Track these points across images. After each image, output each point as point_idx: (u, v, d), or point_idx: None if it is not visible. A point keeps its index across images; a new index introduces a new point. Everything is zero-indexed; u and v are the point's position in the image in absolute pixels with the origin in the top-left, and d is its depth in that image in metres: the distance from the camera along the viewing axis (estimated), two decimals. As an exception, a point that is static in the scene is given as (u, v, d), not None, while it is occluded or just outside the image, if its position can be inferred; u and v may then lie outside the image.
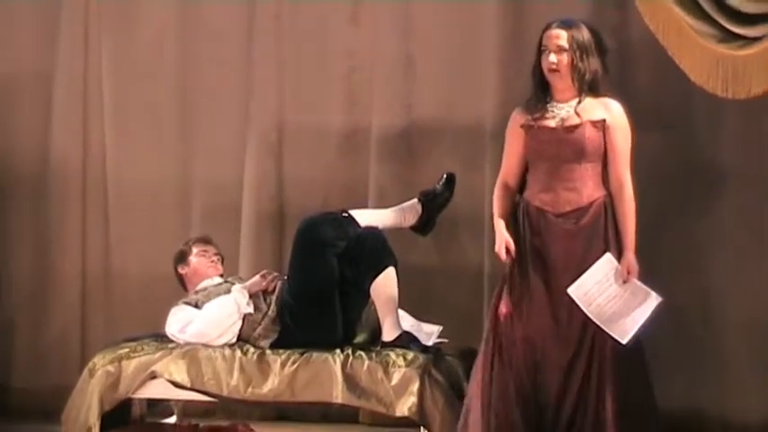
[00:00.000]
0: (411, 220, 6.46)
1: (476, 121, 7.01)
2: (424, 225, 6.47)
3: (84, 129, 7.55)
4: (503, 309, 5.52)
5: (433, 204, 6.43)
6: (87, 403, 6.27)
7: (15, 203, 7.58)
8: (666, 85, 6.65)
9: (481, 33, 7.09)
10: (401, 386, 6.05)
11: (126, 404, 6.43)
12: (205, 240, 6.79)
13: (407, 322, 6.35)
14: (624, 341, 5.42)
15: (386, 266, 6.24)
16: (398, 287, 6.26)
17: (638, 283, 5.49)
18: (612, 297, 5.43)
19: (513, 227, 5.58)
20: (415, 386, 6.03)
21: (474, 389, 5.58)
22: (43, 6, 7.57)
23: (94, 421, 6.26)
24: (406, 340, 6.23)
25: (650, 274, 6.72)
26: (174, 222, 7.43)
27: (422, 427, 6.02)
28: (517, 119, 5.62)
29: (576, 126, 5.48)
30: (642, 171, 6.77)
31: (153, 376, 6.26)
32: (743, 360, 6.83)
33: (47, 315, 7.54)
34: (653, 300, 5.49)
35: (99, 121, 7.55)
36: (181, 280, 6.69)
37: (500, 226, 5.58)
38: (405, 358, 6.12)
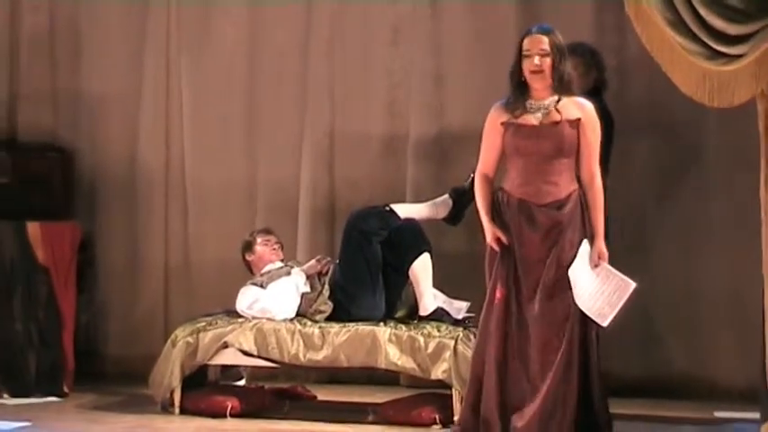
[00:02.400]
0: (443, 212, 6.43)
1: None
2: (454, 217, 6.43)
3: (166, 138, 7.56)
4: (497, 293, 5.26)
5: (462, 199, 6.36)
6: (170, 369, 6.29)
7: (109, 203, 7.59)
8: (660, 96, 6.64)
9: (500, 52, 6.83)
10: (436, 354, 6.04)
11: (203, 369, 6.45)
12: (267, 231, 6.78)
13: (440, 299, 6.32)
14: (604, 324, 5.13)
15: (422, 252, 6.27)
16: (432, 269, 6.28)
17: (611, 268, 5.19)
18: (587, 281, 5.13)
19: (496, 217, 5.32)
20: (448, 353, 6.01)
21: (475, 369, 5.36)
22: (130, 35, 7.57)
23: (176, 384, 6.28)
24: (440, 314, 6.23)
25: (647, 255, 6.80)
26: (242, 217, 7.41)
27: (453, 389, 5.99)
28: (496, 116, 5.34)
29: (556, 123, 5.24)
30: (637, 166, 6.82)
31: (225, 346, 6.26)
32: (728, 330, 6.81)
33: (136, 296, 7.57)
34: (629, 285, 5.15)
35: (179, 131, 7.56)
36: (248, 265, 6.67)
37: (488, 220, 5.32)
38: (439, 330, 6.12)
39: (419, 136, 7.25)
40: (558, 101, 5.25)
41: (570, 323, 5.18)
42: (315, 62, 7.39)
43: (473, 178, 6.23)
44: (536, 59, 5.22)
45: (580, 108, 5.27)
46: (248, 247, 6.69)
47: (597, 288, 5.14)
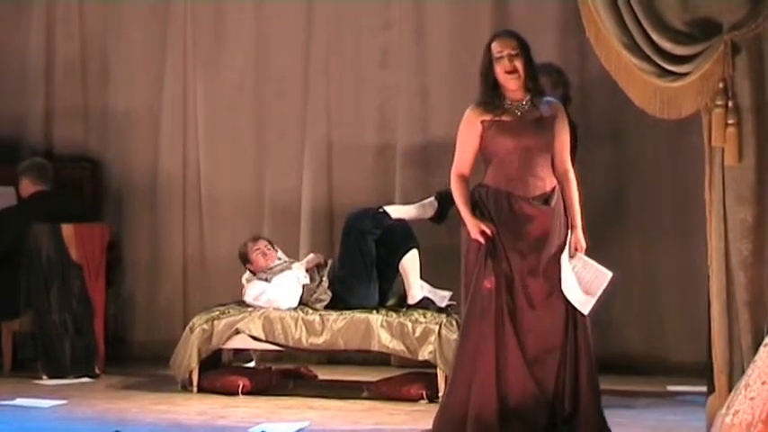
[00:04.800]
0: (429, 213, 6.44)
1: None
2: (439, 217, 6.44)
3: (183, 149, 7.57)
4: (487, 284, 4.79)
5: (446, 201, 6.23)
6: (188, 352, 6.31)
7: (134, 207, 7.62)
8: (617, 109, 6.69)
9: (477, 72, 7.08)
10: (422, 337, 6.08)
11: (217, 353, 6.47)
12: (254, 238, 6.70)
13: (426, 289, 6.35)
14: (585, 312, 4.85)
15: (411, 248, 6.30)
16: (420, 263, 6.31)
17: (588, 259, 4.92)
18: (568, 269, 4.84)
19: (478, 213, 4.88)
20: (433, 337, 6.06)
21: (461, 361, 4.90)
22: (152, 59, 7.60)
23: (194, 366, 6.30)
24: (426, 303, 6.27)
25: (606, 249, 6.75)
26: (250, 218, 7.42)
27: (437, 368, 6.05)
28: (474, 116, 4.89)
29: (537, 120, 4.87)
30: (597, 170, 6.78)
31: (237, 332, 6.29)
32: (678, 313, 6.88)
33: (158, 288, 7.58)
34: (606, 275, 4.89)
35: (194, 143, 7.57)
36: (251, 271, 6.63)
37: (469, 215, 4.85)
38: (425, 316, 6.16)
39: (406, 146, 7.28)
40: (533, 100, 4.92)
41: (569, 310, 4.86)
42: (314, 82, 7.42)
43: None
44: (509, 60, 4.84)
45: (553, 106, 4.99)
46: (245, 259, 6.66)
47: (576, 277, 4.89)
